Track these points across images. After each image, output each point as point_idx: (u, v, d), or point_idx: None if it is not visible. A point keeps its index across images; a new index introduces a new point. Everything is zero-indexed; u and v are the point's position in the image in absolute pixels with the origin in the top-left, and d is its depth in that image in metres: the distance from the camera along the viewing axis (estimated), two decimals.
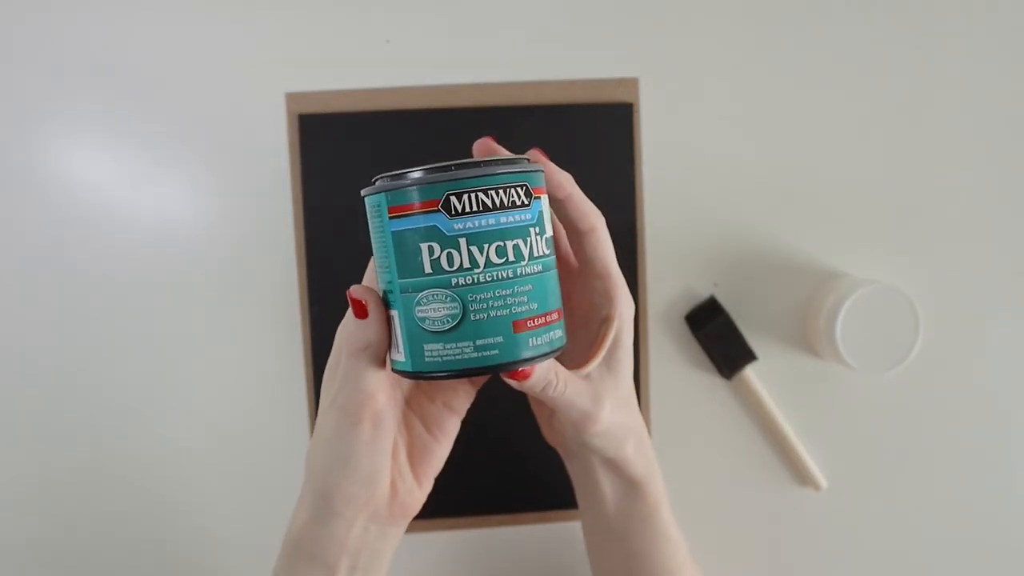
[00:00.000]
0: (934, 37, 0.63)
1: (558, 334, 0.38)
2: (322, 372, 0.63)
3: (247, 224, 0.62)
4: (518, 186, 0.35)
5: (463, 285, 0.35)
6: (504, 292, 0.35)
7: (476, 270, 0.35)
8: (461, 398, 0.45)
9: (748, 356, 0.63)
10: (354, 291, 0.38)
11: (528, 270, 0.36)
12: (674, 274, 0.64)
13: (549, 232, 0.38)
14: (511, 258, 0.35)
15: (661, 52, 0.63)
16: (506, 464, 0.64)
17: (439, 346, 0.36)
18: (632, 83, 0.63)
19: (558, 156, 0.62)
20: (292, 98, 0.62)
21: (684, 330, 0.64)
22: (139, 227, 0.62)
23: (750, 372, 0.64)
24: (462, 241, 0.35)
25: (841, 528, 0.66)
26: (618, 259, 0.43)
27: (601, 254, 0.42)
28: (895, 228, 0.64)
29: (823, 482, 0.64)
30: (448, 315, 0.35)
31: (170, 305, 0.62)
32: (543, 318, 0.36)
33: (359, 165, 0.62)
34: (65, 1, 0.60)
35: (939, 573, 0.66)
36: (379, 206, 0.36)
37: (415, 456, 0.44)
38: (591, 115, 0.62)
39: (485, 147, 0.42)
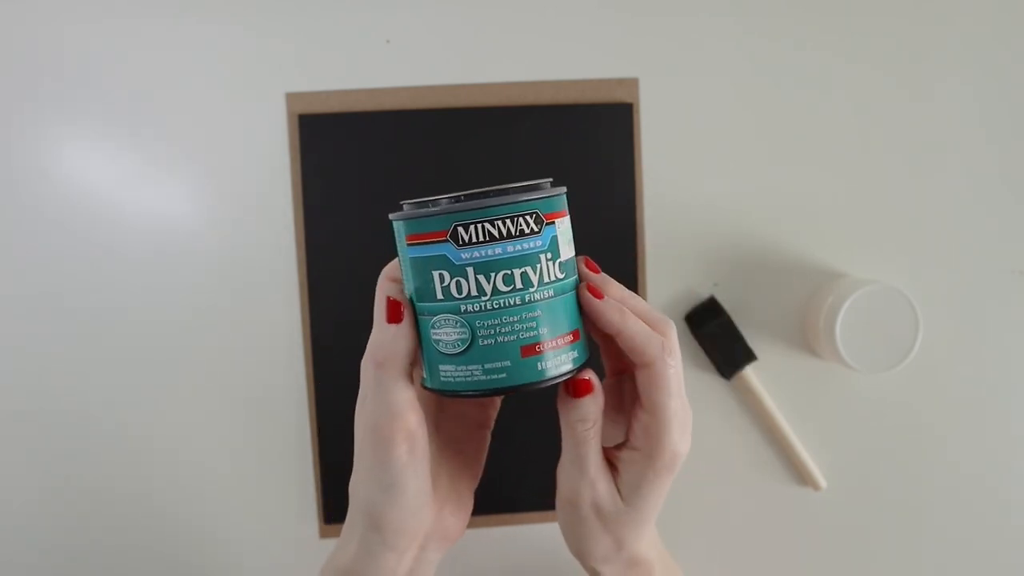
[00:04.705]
0: (933, 37, 0.63)
1: (573, 354, 0.38)
2: (322, 372, 0.63)
3: (247, 224, 0.62)
4: (527, 214, 0.36)
5: (471, 312, 0.36)
6: (512, 319, 0.36)
7: (483, 298, 0.36)
8: (488, 412, 0.44)
9: (748, 356, 0.63)
10: (390, 295, 0.38)
11: (537, 296, 0.36)
12: (674, 274, 0.64)
13: (566, 255, 0.38)
14: (519, 285, 0.36)
15: (661, 52, 0.63)
16: (506, 464, 0.64)
17: (452, 367, 0.37)
18: (632, 83, 0.63)
19: (558, 156, 0.63)
20: (292, 98, 0.62)
21: (684, 330, 0.64)
22: (138, 227, 0.62)
23: (750, 372, 0.64)
24: (469, 270, 0.36)
25: (841, 528, 0.66)
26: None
27: (652, 395, 0.38)
28: (895, 228, 0.64)
29: (823, 482, 0.64)
30: (459, 339, 0.37)
31: (169, 305, 0.62)
32: (553, 342, 0.37)
33: (359, 165, 0.62)
34: (64, 1, 0.60)
35: (939, 573, 0.66)
36: (399, 232, 0.38)
37: (455, 478, 0.43)
38: (591, 115, 0.62)
39: None
